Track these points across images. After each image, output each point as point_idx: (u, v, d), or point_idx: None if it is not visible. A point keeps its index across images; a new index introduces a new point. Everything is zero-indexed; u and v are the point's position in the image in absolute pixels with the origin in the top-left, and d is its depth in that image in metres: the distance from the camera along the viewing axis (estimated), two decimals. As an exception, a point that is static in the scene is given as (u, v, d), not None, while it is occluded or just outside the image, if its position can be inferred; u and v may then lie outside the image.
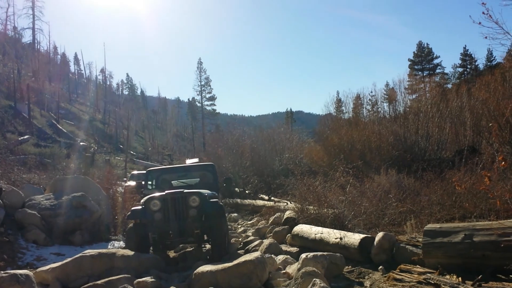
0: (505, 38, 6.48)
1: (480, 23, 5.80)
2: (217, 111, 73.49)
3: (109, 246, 10.37)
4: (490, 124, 10.71)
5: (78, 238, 10.26)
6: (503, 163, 4.73)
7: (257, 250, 8.02)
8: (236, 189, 20.17)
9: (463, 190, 6.74)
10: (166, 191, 7.82)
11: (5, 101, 30.70)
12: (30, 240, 9.43)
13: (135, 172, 21.52)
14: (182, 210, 7.43)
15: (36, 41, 51.33)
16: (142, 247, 7.44)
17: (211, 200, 7.80)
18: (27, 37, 50.30)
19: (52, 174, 17.09)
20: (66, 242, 10.05)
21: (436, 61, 53.27)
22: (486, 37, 6.27)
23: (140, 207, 7.81)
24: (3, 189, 10.41)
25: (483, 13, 5.74)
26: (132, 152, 44.42)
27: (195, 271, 5.87)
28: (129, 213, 7.98)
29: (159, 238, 7.75)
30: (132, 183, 16.72)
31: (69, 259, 6.54)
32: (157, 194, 7.85)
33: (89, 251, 6.71)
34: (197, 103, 72.93)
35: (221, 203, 7.98)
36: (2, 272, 5.58)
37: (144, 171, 20.81)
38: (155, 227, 7.51)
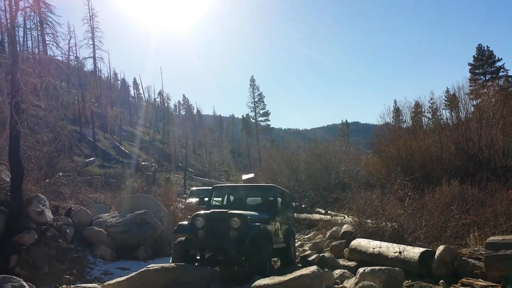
0: None
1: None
2: (271, 126, 73.82)
3: (171, 261, 10.71)
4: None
5: (142, 253, 10.73)
6: None
7: (314, 264, 7.97)
8: (293, 203, 20.13)
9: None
10: (212, 210, 8.01)
11: (72, 127, 32.71)
12: (97, 255, 9.99)
13: (194, 188, 22.04)
14: (223, 230, 7.44)
15: (97, 68, 54.55)
16: (185, 262, 7.55)
17: (254, 223, 7.58)
18: (88, 66, 53.42)
19: (116, 193, 17.96)
20: (131, 257, 10.54)
21: (498, 64, 50.56)
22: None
23: (187, 222, 8.07)
24: (73, 208, 11.13)
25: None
26: (190, 169, 45.62)
27: (252, 285, 5.96)
28: (176, 227, 8.26)
29: (200, 254, 7.80)
30: (193, 200, 17.11)
31: (134, 273, 6.85)
32: (203, 212, 8.06)
33: (153, 266, 6.99)
34: (251, 119, 73.73)
35: (263, 228, 7.66)
36: (72, 286, 5.95)
37: (203, 187, 21.23)
38: (197, 244, 7.65)
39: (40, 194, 9.97)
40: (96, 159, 29.07)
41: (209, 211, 7.94)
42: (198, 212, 8.04)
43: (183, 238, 8.01)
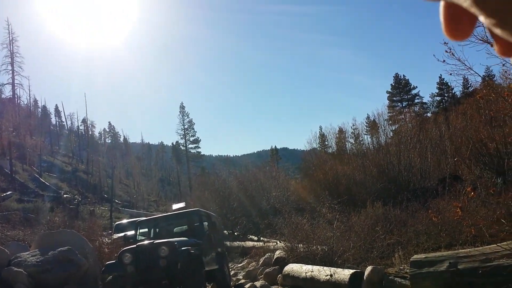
0: (469, 74, 6.82)
1: (444, 61, 6.11)
2: (201, 153, 73.54)
3: None
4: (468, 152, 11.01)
5: (66, 293, 10.02)
6: (472, 193, 4.89)
7: (248, 294, 7.93)
8: (225, 231, 19.97)
9: (440, 221, 6.87)
10: (138, 243, 7.85)
11: (-13, 158, 30.44)
12: (16, 299, 9.18)
13: (121, 222, 21.15)
14: (153, 261, 7.30)
15: (16, 95, 51.34)
16: None
17: (182, 248, 7.45)
18: (7, 92, 50.13)
19: (36, 229, 16.79)
20: (54, 299, 9.80)
21: (414, 92, 54.72)
22: (450, 74, 6.59)
23: (114, 261, 7.85)
24: (-13, 248, 10.22)
25: (446, 51, 6.07)
26: (117, 200, 43.82)
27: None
28: (104, 268, 8.01)
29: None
30: (119, 234, 16.48)
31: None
32: (128, 247, 7.89)
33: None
34: (181, 146, 72.91)
35: (193, 251, 7.54)
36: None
37: (127, 220, 20.53)
38: (129, 280, 7.41)
39: None
40: (14, 193, 27.05)
41: (135, 245, 7.79)
42: (124, 248, 7.89)
43: (116, 275, 7.68)
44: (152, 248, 7.41)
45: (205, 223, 9.62)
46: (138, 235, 9.63)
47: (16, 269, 9.84)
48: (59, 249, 10.78)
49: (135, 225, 10.26)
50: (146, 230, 9.89)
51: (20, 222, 18.91)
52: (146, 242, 7.98)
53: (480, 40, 6.36)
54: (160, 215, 13.79)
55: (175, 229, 9.77)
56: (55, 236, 12.18)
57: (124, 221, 20.98)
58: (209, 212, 11.02)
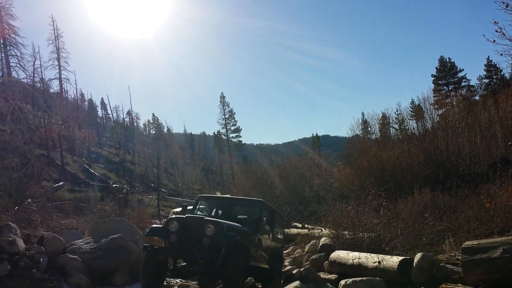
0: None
1: (494, 41, 5.86)
2: (242, 142, 74.01)
3: (141, 270, 10.46)
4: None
5: (119, 279, 10.43)
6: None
7: (295, 280, 7.96)
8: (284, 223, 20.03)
9: (493, 206, 6.65)
10: (188, 215, 7.64)
11: (39, 151, 31.82)
12: (73, 284, 9.64)
13: (177, 210, 21.40)
14: (197, 237, 7.00)
15: (63, 90, 53.25)
16: (154, 275, 7.22)
17: (230, 233, 7.02)
18: (54, 87, 52.07)
19: (89, 218, 17.49)
20: (107, 284, 10.23)
21: (460, 74, 52.65)
22: (501, 54, 6.30)
23: (160, 225, 7.74)
24: (45, 236, 10.78)
25: (496, 31, 5.82)
26: (163, 189, 44.96)
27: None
28: (148, 230, 7.89)
29: (172, 264, 7.49)
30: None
31: (113, 300, 6.68)
32: (178, 216, 7.69)
33: (132, 291, 6.85)
34: (222, 136, 73.72)
35: (239, 239, 7.02)
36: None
37: (181, 208, 20.86)
38: (169, 250, 7.27)
39: (10, 223, 9.62)
40: (66, 184, 28.27)
41: (184, 216, 7.57)
42: (173, 216, 7.71)
43: (156, 246, 7.62)
44: (199, 223, 7.12)
45: (265, 216, 9.04)
46: (197, 209, 9.31)
47: (71, 256, 10.31)
48: (111, 237, 11.21)
49: (196, 199, 9.91)
50: (208, 207, 9.56)
51: (73, 211, 19.70)
52: (196, 215, 7.80)
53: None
54: (223, 196, 13.70)
55: (236, 215, 9.11)
56: (106, 224, 12.68)
57: (178, 209, 21.38)
58: (273, 207, 10.43)
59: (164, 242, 7.41)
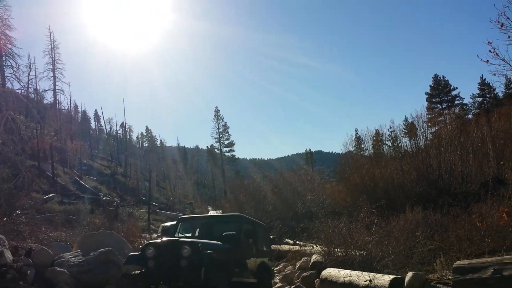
0: (514, 74, 6.61)
1: (487, 61, 5.94)
2: (236, 156, 73.96)
3: None
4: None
5: (107, 293, 10.29)
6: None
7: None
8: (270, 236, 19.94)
9: (484, 226, 6.67)
10: (163, 239, 7.66)
11: (30, 162, 31.57)
12: (60, 298, 9.50)
13: (168, 224, 21.15)
14: (175, 259, 6.95)
15: (57, 101, 53.21)
16: None
17: (207, 251, 6.93)
18: (48, 98, 52.04)
19: (78, 231, 17.29)
20: (95, 298, 10.08)
21: (454, 93, 53.23)
22: (494, 74, 6.40)
23: (137, 253, 7.71)
24: (33, 248, 10.63)
25: (490, 51, 5.90)
26: (154, 203, 44.66)
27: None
28: (126, 258, 7.84)
29: (152, 286, 7.38)
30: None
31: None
32: (153, 241, 7.76)
33: (120, 306, 6.74)
34: (215, 150, 73.71)
35: (216, 256, 6.97)
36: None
37: (171, 223, 20.68)
38: (149, 276, 7.16)
39: (-2, 234, 9.50)
40: (56, 195, 27.95)
41: (160, 240, 7.62)
42: (149, 241, 7.76)
43: (136, 272, 7.47)
44: (175, 246, 7.13)
45: (247, 230, 8.99)
46: (178, 232, 9.33)
47: (59, 269, 10.16)
48: (100, 250, 11.08)
49: (176, 221, 9.99)
50: (188, 228, 9.59)
51: (62, 223, 19.47)
52: (171, 238, 7.81)
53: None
54: (203, 215, 13.69)
55: (217, 232, 9.02)
56: (96, 237, 12.55)
57: (169, 223, 21.19)
58: (254, 220, 10.43)
59: (143, 268, 7.30)
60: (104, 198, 33.77)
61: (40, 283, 9.69)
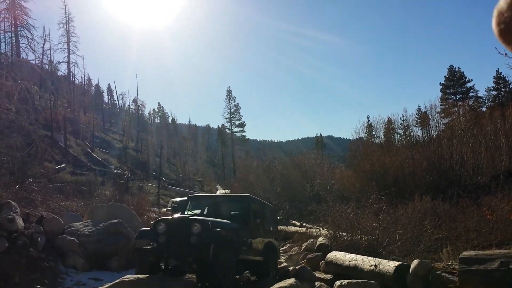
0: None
1: (506, 54, 5.80)
2: (246, 137, 74.03)
3: (135, 272, 10.51)
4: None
5: (115, 264, 10.50)
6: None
7: (290, 277, 7.96)
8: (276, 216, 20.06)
9: (494, 219, 6.63)
10: (174, 215, 7.87)
11: (43, 131, 31.92)
12: (69, 265, 9.72)
13: (177, 199, 21.36)
14: (185, 236, 7.15)
15: (71, 73, 53.59)
16: (150, 273, 7.30)
17: (217, 230, 7.18)
18: (62, 70, 52.38)
19: (88, 202, 17.56)
20: (103, 268, 10.30)
21: (469, 85, 52.39)
22: (512, 68, 6.23)
23: (149, 228, 7.92)
24: (44, 216, 10.85)
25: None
26: (164, 178, 45.05)
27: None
28: (138, 233, 8.04)
29: (165, 264, 7.60)
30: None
31: (108, 284, 6.73)
32: (165, 217, 7.94)
33: (128, 277, 6.88)
34: (226, 130, 73.81)
35: (225, 234, 7.22)
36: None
37: (179, 199, 20.89)
38: (159, 251, 7.37)
39: (11, 201, 9.68)
40: (68, 166, 28.31)
41: (171, 217, 7.82)
42: (160, 218, 7.93)
43: (148, 247, 7.61)
44: (185, 223, 7.35)
45: (255, 210, 9.25)
46: (188, 209, 9.49)
47: (69, 237, 10.40)
48: (110, 221, 11.29)
49: (187, 199, 10.20)
50: (198, 206, 9.75)
51: (73, 193, 19.76)
52: (182, 215, 8.00)
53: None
54: (212, 194, 13.86)
55: (225, 211, 9.13)
56: (106, 208, 12.76)
57: (178, 199, 21.39)
58: (262, 201, 10.65)
59: (154, 243, 7.45)
60: (115, 171, 34.11)
61: (50, 250, 9.92)
